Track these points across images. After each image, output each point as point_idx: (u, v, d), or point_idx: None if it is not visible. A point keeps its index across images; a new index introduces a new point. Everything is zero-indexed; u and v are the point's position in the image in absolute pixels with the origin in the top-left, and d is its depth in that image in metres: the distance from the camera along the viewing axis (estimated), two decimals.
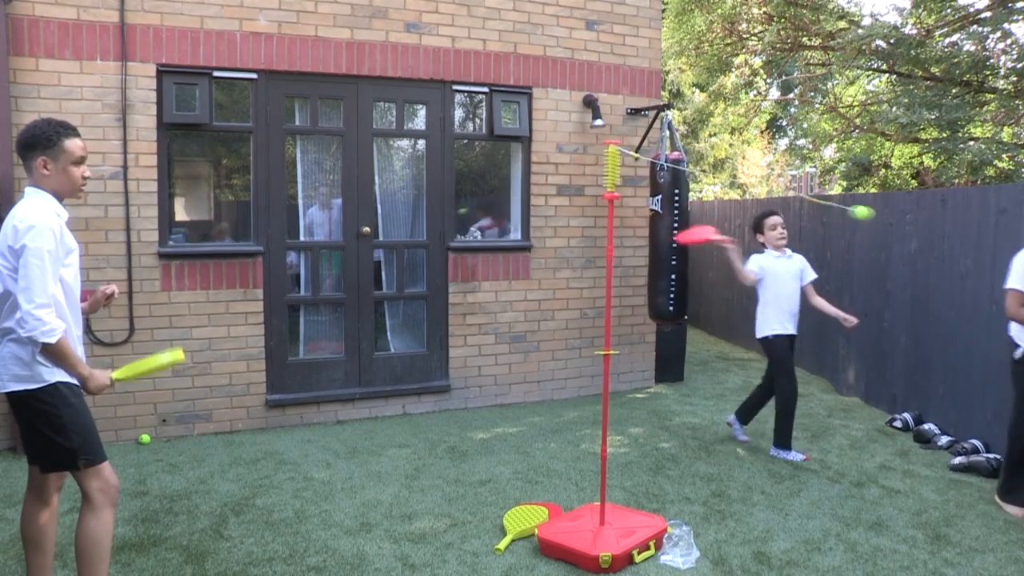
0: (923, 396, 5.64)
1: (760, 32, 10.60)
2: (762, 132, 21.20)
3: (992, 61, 8.54)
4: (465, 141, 6.44)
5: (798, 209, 7.73)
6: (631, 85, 6.49)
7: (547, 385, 6.37)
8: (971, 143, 8.57)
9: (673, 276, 6.00)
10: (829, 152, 14.22)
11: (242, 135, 5.50)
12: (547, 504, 4.02)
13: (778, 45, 10.46)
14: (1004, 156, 8.81)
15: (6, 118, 4.63)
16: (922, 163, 11.17)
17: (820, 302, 5.14)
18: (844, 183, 13.69)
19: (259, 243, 5.43)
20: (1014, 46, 8.31)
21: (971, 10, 8.92)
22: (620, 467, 4.73)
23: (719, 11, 10.60)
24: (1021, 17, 8.17)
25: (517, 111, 6.10)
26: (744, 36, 11.01)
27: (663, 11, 9.59)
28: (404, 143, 6.23)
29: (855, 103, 11.51)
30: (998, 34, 8.21)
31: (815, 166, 17.69)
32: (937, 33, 9.08)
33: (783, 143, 22.29)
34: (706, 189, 19.65)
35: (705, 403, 6.33)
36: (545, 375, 6.35)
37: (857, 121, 10.78)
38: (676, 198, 5.96)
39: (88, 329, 4.96)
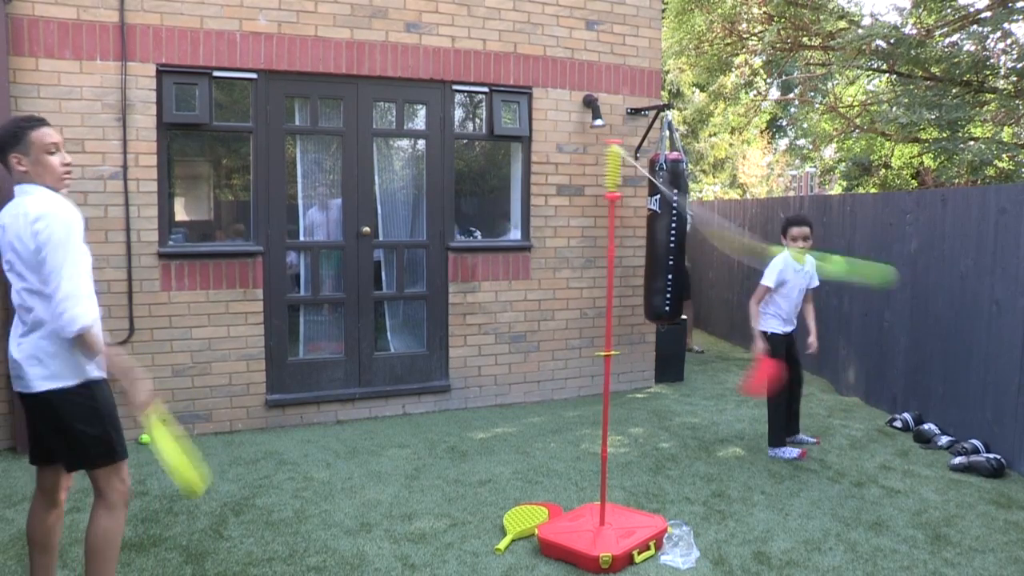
0: (923, 396, 5.64)
1: (760, 32, 10.60)
2: (762, 132, 21.19)
3: (992, 61, 8.54)
4: (465, 141, 6.44)
5: (798, 209, 7.73)
6: (631, 85, 6.49)
7: (547, 385, 6.37)
8: (971, 143, 8.57)
9: (669, 276, 6.00)
10: (829, 152, 14.22)
11: (242, 135, 5.50)
12: (547, 504, 4.02)
13: (778, 45, 10.46)
14: (1004, 156, 8.81)
15: (6, 118, 4.61)
16: (922, 163, 11.17)
17: (808, 310, 5.18)
18: (844, 183, 13.69)
19: (259, 243, 5.43)
20: (1014, 46, 8.31)
21: (971, 10, 8.92)
22: (620, 467, 4.73)
23: (719, 11, 10.60)
24: (1021, 17, 8.17)
25: (517, 111, 6.10)
26: (744, 36, 11.01)
27: (663, 11, 9.59)
28: (404, 143, 6.23)
29: (855, 103, 11.50)
30: (998, 34, 8.21)
31: (815, 166, 17.69)
32: (937, 33, 9.08)
33: (783, 143, 22.29)
34: (706, 189, 19.64)
35: (705, 403, 6.33)
36: (545, 375, 6.35)
37: (857, 121, 10.78)
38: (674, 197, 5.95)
39: None
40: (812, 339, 5.11)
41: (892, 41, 8.62)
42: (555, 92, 6.20)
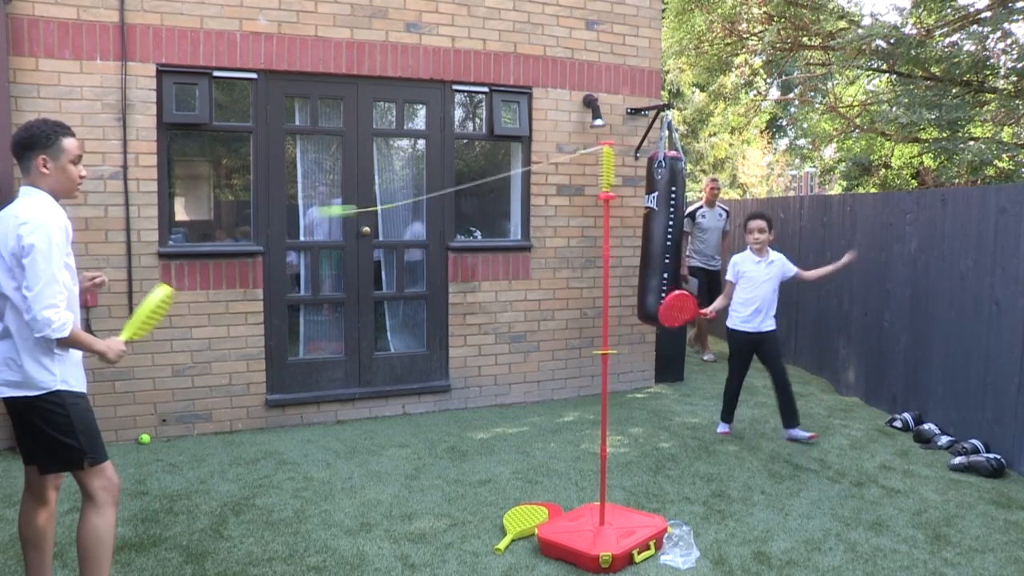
0: (923, 396, 5.64)
1: (760, 32, 10.60)
2: (762, 132, 21.19)
3: (992, 61, 8.53)
4: (465, 141, 6.44)
5: (798, 209, 7.73)
6: (631, 85, 6.49)
7: (547, 385, 6.37)
8: (971, 143, 8.56)
9: (665, 275, 5.98)
10: (829, 152, 14.22)
11: (242, 135, 5.50)
12: (547, 504, 4.02)
13: (778, 45, 10.46)
14: (1004, 156, 8.81)
15: (6, 118, 4.62)
16: (922, 163, 11.17)
17: (814, 273, 5.47)
18: (844, 183, 13.69)
19: (259, 243, 5.43)
20: (1014, 46, 8.31)
21: (971, 10, 8.92)
22: (620, 467, 4.73)
23: (719, 11, 10.60)
24: (1021, 17, 8.17)
25: (517, 111, 6.10)
26: (744, 36, 11.01)
27: (663, 11, 9.59)
28: (404, 143, 6.23)
29: (855, 103, 11.50)
30: (998, 34, 8.21)
31: (815, 166, 17.69)
32: (937, 33, 9.08)
33: (783, 143, 22.29)
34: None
35: (705, 403, 6.33)
36: (545, 375, 6.35)
37: (857, 121, 10.78)
38: (672, 195, 5.92)
39: (88, 329, 4.95)
40: (846, 258, 5.48)
41: (892, 41, 8.62)
42: (555, 92, 6.20)
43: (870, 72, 10.95)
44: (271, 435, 5.32)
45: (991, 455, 4.70)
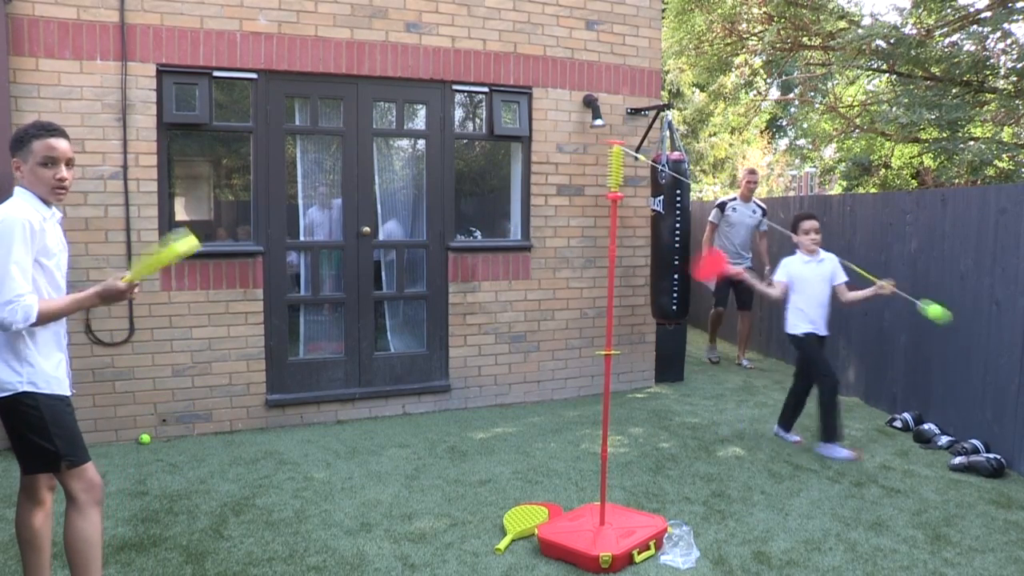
0: (923, 396, 5.64)
1: (760, 32, 10.60)
2: (762, 132, 21.19)
3: (992, 61, 8.53)
4: (465, 141, 6.44)
5: (798, 209, 7.72)
6: (631, 85, 6.49)
7: (547, 385, 6.37)
8: (971, 143, 8.56)
9: (676, 276, 6.10)
10: (829, 152, 14.21)
11: (242, 135, 5.50)
12: (547, 504, 4.02)
13: (778, 45, 10.45)
14: (1004, 156, 8.80)
15: (6, 118, 4.62)
16: (922, 163, 11.16)
17: (853, 295, 5.07)
18: (844, 183, 13.68)
19: (259, 243, 5.43)
20: (1014, 46, 8.30)
21: (971, 10, 8.92)
22: (620, 467, 4.73)
23: (719, 11, 10.59)
24: (1021, 17, 8.17)
25: (517, 111, 6.10)
26: (744, 36, 11.00)
27: (663, 11, 9.59)
28: (404, 143, 6.23)
29: (855, 103, 11.50)
30: (998, 34, 8.20)
31: (815, 166, 17.68)
32: (937, 33, 9.08)
33: (783, 143, 22.28)
34: (706, 189, 19.64)
35: (705, 403, 6.33)
36: (545, 375, 6.35)
37: (857, 121, 10.78)
38: (678, 198, 5.97)
39: (88, 329, 4.96)
40: (879, 285, 4.89)
41: (892, 41, 8.62)
42: (555, 92, 6.20)
43: (870, 72, 10.94)
44: (271, 435, 5.32)
45: (991, 455, 4.70)
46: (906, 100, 8.93)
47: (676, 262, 6.11)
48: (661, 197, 6.03)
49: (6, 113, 4.61)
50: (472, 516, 3.98)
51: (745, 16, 10.84)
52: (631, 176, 6.53)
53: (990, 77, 8.78)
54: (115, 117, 4.95)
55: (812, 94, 12.08)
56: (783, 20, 10.32)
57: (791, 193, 24.31)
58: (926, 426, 5.36)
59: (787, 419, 5.33)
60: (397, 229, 6.03)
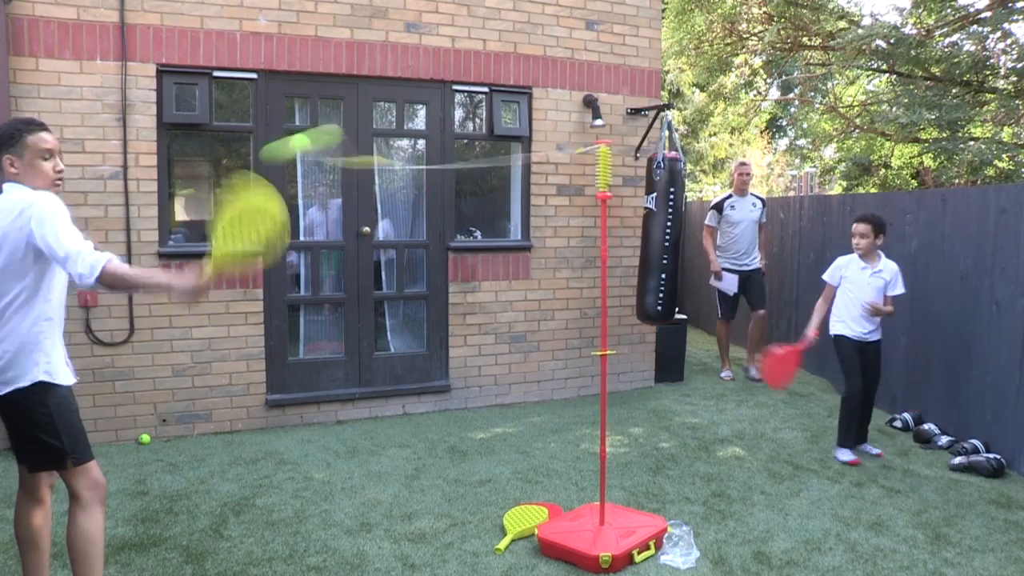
0: (923, 396, 5.64)
1: (760, 32, 10.60)
2: (762, 132, 21.18)
3: (992, 61, 8.54)
4: (465, 141, 6.44)
5: (798, 209, 7.72)
6: (631, 85, 6.49)
7: (547, 385, 6.37)
8: (971, 143, 8.57)
9: (663, 275, 5.94)
10: (829, 152, 14.22)
11: (242, 135, 5.50)
12: (547, 504, 4.02)
13: (778, 45, 10.46)
14: (1004, 156, 8.81)
15: (6, 118, 4.62)
16: (922, 163, 11.17)
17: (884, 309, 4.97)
18: (844, 183, 13.68)
19: None
20: (1014, 46, 8.31)
21: (971, 10, 8.92)
22: (620, 467, 4.73)
23: (719, 11, 10.60)
24: (1021, 17, 8.17)
25: (517, 111, 6.10)
26: (744, 36, 11.01)
27: (663, 11, 9.59)
28: (404, 143, 6.23)
29: (855, 103, 11.50)
30: (998, 34, 8.21)
31: (815, 166, 17.68)
32: (937, 33, 9.08)
33: (783, 143, 22.28)
34: (706, 189, 19.64)
35: (705, 403, 6.33)
36: (545, 375, 6.35)
37: (857, 121, 10.79)
38: (671, 196, 5.92)
39: (88, 329, 4.96)
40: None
41: (892, 41, 8.62)
42: (555, 92, 6.20)
43: (870, 72, 10.95)
44: (271, 435, 5.32)
45: (991, 455, 4.70)
46: (906, 100, 8.93)
47: (665, 261, 5.91)
48: (655, 194, 5.96)
49: (6, 113, 4.61)
50: (472, 516, 3.98)
51: (745, 16, 10.84)
52: (631, 176, 6.53)
53: (990, 77, 8.78)
54: (115, 117, 4.95)
55: (812, 94, 12.10)
56: (783, 20, 10.33)
57: (791, 193, 24.29)
58: (926, 426, 5.36)
59: (851, 434, 4.96)
60: (397, 229, 6.03)
